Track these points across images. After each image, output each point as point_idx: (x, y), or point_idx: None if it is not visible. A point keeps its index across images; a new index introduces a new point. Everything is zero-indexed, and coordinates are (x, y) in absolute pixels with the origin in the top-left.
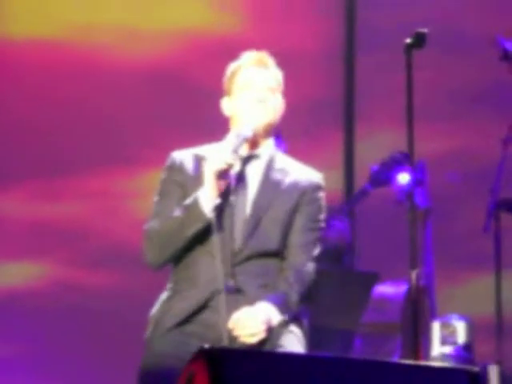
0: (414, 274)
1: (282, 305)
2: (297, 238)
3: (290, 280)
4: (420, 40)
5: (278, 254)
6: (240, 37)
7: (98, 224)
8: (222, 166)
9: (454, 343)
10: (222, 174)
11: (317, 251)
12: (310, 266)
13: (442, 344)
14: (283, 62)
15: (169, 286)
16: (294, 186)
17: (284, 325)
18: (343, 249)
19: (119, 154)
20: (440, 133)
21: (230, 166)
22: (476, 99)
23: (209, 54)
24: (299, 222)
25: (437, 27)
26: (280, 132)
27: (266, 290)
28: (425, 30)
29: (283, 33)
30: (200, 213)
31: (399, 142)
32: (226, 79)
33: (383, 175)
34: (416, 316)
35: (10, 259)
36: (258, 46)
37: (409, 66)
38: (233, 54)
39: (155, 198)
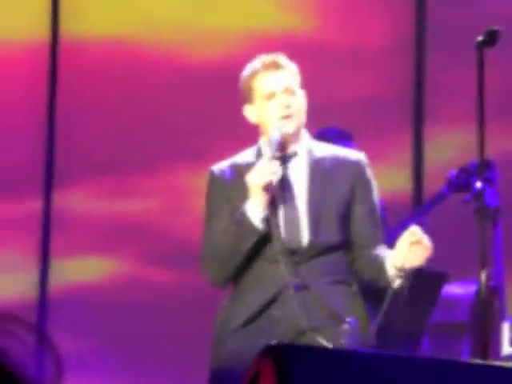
0: (483, 274)
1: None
2: (362, 230)
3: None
4: (492, 37)
5: (342, 246)
6: (308, 36)
7: (168, 221)
8: (268, 178)
9: None
10: (268, 186)
11: (382, 236)
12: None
13: None
14: (352, 59)
15: (233, 290)
16: (342, 172)
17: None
18: None
19: (189, 150)
20: (511, 132)
21: (274, 175)
22: None
23: (278, 51)
24: (359, 212)
25: (509, 24)
26: (350, 133)
27: (336, 287)
28: (497, 28)
29: (352, 31)
30: (251, 226)
31: (469, 141)
32: (243, 86)
33: (462, 180)
34: (486, 316)
35: (82, 255)
36: (326, 44)
37: (480, 64)
38: (302, 51)
39: (205, 219)
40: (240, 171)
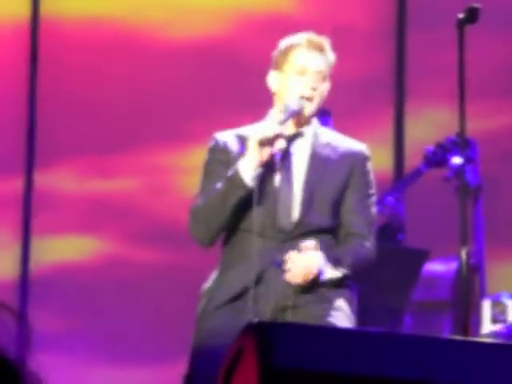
0: (464, 252)
1: (336, 261)
2: (350, 217)
3: (346, 249)
4: (473, 15)
5: (330, 231)
6: (291, 14)
7: (150, 200)
8: (267, 134)
9: (505, 321)
10: (266, 143)
11: (372, 229)
12: (366, 246)
13: (493, 322)
14: (334, 38)
15: (220, 264)
16: (343, 160)
17: (335, 282)
18: (397, 226)
19: (171, 130)
20: (491, 110)
21: (276, 136)
22: None
23: (261, 31)
24: (351, 200)
25: (491, 2)
26: (328, 110)
27: None
28: (478, 5)
29: (334, 10)
30: (240, 181)
31: (450, 119)
32: (278, 53)
33: (438, 156)
34: (466, 294)
35: (64, 234)
36: (309, 23)
37: (461, 42)
38: (284, 31)
39: (200, 181)
40: (243, 143)
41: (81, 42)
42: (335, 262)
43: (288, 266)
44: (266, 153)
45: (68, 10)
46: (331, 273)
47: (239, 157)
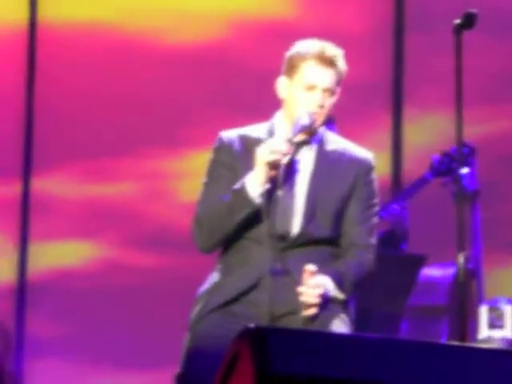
0: (461, 257)
1: (339, 283)
2: (352, 228)
3: (349, 264)
4: (470, 20)
5: (331, 240)
6: (288, 19)
7: (147, 205)
8: (276, 157)
9: (502, 327)
10: (275, 164)
11: (374, 240)
12: (368, 257)
13: (490, 327)
14: (332, 43)
15: (218, 268)
16: (347, 169)
17: (338, 303)
18: (401, 235)
19: (168, 135)
20: (489, 115)
21: (284, 156)
22: None
23: (257, 35)
24: (353, 210)
25: (488, 8)
26: (333, 117)
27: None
28: (475, 11)
29: (332, 15)
30: (247, 198)
31: (448, 124)
32: (291, 59)
33: (445, 165)
34: (463, 299)
35: (61, 240)
36: (306, 28)
37: (458, 47)
38: (281, 35)
39: (204, 180)
40: (248, 145)
41: (78, 47)
42: (339, 284)
43: (301, 289)
44: (274, 171)
45: (65, 15)
46: (335, 292)
47: (244, 158)
